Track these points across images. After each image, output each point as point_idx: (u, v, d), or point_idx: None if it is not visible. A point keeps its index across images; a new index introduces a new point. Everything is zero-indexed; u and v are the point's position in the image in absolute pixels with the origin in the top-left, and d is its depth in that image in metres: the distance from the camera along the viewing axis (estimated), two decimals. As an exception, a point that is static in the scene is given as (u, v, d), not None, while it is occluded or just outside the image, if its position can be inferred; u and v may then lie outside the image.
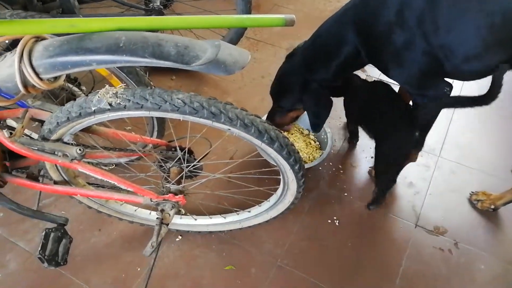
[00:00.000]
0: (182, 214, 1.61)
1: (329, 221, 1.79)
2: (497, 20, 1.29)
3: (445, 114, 2.19)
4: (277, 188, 1.46)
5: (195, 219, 1.68)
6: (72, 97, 1.63)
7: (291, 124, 1.96)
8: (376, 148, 1.69)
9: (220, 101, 1.09)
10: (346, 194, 1.88)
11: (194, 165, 1.39)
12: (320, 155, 1.93)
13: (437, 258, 1.67)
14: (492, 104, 2.24)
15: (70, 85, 1.59)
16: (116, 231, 1.73)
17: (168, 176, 1.39)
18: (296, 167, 1.26)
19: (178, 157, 1.34)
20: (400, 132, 1.60)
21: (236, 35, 2.23)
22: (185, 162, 1.36)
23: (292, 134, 2.02)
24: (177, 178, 1.35)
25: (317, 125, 1.76)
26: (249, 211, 1.61)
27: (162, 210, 1.35)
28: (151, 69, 2.41)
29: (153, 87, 1.53)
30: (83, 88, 1.71)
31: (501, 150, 2.07)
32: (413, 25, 1.36)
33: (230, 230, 1.70)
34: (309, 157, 1.95)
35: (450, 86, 1.55)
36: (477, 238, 1.73)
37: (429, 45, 1.38)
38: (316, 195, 1.88)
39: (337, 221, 1.79)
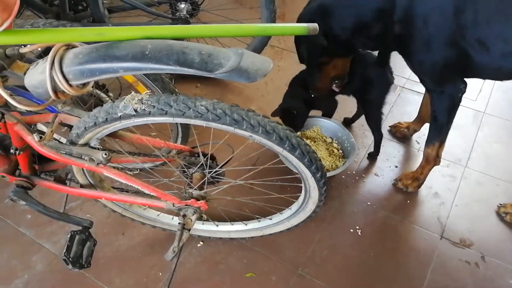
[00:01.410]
0: (204, 220, 1.64)
1: (352, 230, 1.77)
2: None
3: (472, 123, 2.16)
4: (299, 196, 1.46)
5: (217, 225, 1.69)
6: (100, 103, 1.67)
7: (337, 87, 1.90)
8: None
9: (242, 108, 1.10)
10: (369, 203, 1.86)
11: (216, 171, 1.40)
12: (343, 164, 1.91)
13: (463, 271, 1.62)
14: (521, 114, 2.21)
15: (98, 91, 1.64)
16: (139, 235, 1.76)
17: (191, 182, 1.41)
18: (318, 175, 1.25)
19: (201, 163, 1.36)
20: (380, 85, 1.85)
21: (260, 44, 2.25)
22: (207, 168, 1.38)
23: (315, 142, 2.02)
24: (199, 184, 1.37)
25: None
26: (271, 219, 1.61)
27: (184, 215, 1.36)
28: (176, 77, 2.45)
29: (178, 94, 1.57)
30: (110, 94, 1.75)
31: (531, 161, 2.01)
32: (451, 13, 1.35)
33: (252, 237, 1.70)
34: (331, 166, 1.94)
35: (465, 84, 1.54)
36: (505, 252, 1.68)
37: (463, 38, 1.37)
38: (338, 204, 1.86)
39: (360, 230, 1.76)
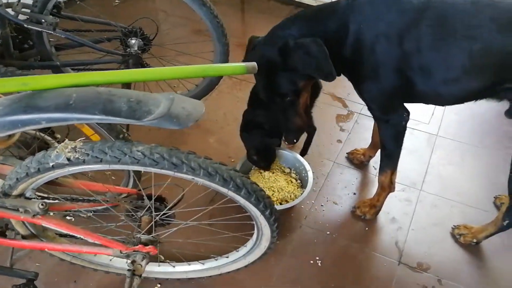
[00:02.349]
0: (160, 261, 1.59)
1: (311, 261, 1.75)
2: (476, 46, 1.33)
3: (426, 146, 2.20)
4: (253, 234, 1.43)
5: (174, 266, 1.64)
6: (45, 145, 1.62)
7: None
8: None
9: (182, 151, 1.08)
10: (328, 232, 1.85)
11: (164, 213, 1.36)
12: (301, 194, 1.90)
13: (422, 297, 1.63)
14: (470, 137, 2.28)
15: (42, 134, 1.58)
16: (92, 282, 1.68)
17: (140, 226, 1.37)
18: (267, 213, 1.23)
19: (147, 206, 1.32)
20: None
21: (217, 77, 2.25)
22: (154, 211, 1.34)
23: (273, 173, 2.01)
24: (147, 228, 1.33)
25: (326, 75, 1.47)
26: (227, 257, 1.57)
27: (134, 261, 1.31)
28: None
29: (126, 135, 1.54)
30: (58, 136, 1.70)
31: (482, 181, 2.06)
32: (395, 42, 1.39)
33: (210, 276, 1.65)
34: (290, 196, 1.93)
35: (408, 113, 1.59)
36: (461, 274, 1.69)
37: (407, 65, 1.41)
38: (298, 235, 1.85)
39: (320, 261, 1.75)
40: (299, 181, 2.01)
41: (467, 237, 1.78)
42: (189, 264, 1.64)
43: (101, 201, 1.29)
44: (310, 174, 1.93)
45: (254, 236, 1.42)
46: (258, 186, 1.21)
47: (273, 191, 1.92)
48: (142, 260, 1.32)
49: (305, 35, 1.45)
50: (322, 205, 1.97)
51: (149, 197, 1.34)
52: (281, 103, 1.61)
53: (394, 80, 1.48)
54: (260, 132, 1.89)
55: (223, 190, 1.14)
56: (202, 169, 1.07)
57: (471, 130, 2.34)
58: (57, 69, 2.14)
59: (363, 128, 2.36)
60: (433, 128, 2.36)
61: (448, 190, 2.02)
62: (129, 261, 1.31)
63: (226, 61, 2.14)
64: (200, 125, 2.40)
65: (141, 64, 2.12)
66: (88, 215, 1.40)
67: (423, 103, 1.58)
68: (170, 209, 1.38)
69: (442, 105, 1.62)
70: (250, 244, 1.48)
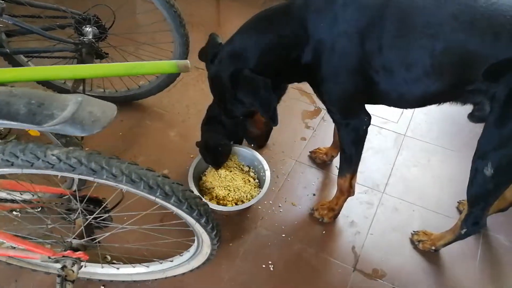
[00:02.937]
0: (104, 263, 1.52)
1: (264, 265, 1.69)
2: (438, 45, 1.26)
3: (393, 146, 2.15)
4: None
5: (118, 269, 1.57)
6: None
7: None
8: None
9: (103, 156, 1.00)
10: (284, 235, 1.79)
11: (99, 216, 1.28)
12: (258, 194, 1.84)
13: (374, 305, 1.58)
14: (439, 138, 2.22)
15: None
16: (33, 281, 1.61)
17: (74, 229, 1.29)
18: (202, 221, 1.16)
19: (79, 208, 1.24)
20: None
21: (168, 77, 2.15)
22: (88, 213, 1.26)
23: (230, 171, 1.93)
24: (77, 232, 1.25)
25: (272, 119, 1.47)
26: (172, 261, 1.51)
27: (64, 267, 1.24)
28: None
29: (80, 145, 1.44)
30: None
31: (447, 185, 2.01)
32: (356, 42, 1.32)
33: (155, 279, 1.59)
34: (246, 196, 1.86)
35: (369, 117, 1.53)
36: (417, 282, 1.65)
37: (369, 64, 1.34)
38: (252, 237, 1.78)
39: (272, 266, 1.69)
40: (257, 180, 1.94)
41: (425, 244, 1.73)
42: (134, 267, 1.57)
43: (18, 202, 1.20)
44: (267, 174, 1.86)
45: (195, 242, 1.35)
46: (192, 193, 1.13)
47: (229, 190, 1.85)
48: (73, 266, 1.24)
49: (261, 54, 1.42)
50: (280, 206, 1.90)
51: (83, 198, 1.27)
52: (235, 120, 1.61)
53: (355, 81, 1.41)
54: (220, 130, 1.81)
55: (151, 197, 1.06)
56: (125, 176, 1.00)
57: (440, 131, 2.29)
58: (8, 57, 2.03)
59: (329, 126, 2.28)
60: (402, 128, 2.30)
61: (411, 194, 1.97)
62: (59, 267, 1.23)
63: (186, 52, 2.05)
64: (162, 117, 2.31)
65: (97, 54, 2.01)
66: (15, 216, 1.31)
67: (386, 105, 1.51)
68: (107, 211, 1.31)
69: (405, 108, 1.56)
70: (192, 249, 1.41)
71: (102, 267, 1.57)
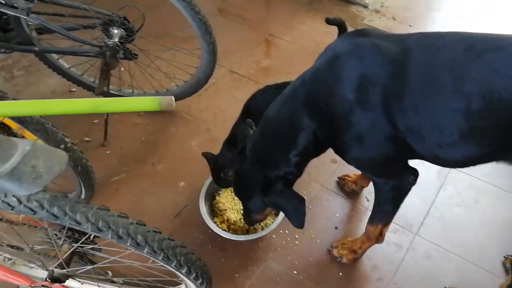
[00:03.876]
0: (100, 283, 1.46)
1: (269, 305, 1.55)
2: (475, 105, 1.02)
3: (436, 179, 1.90)
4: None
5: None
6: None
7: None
8: None
9: (69, 201, 0.90)
10: (295, 272, 1.63)
11: (86, 245, 1.20)
12: (273, 222, 1.69)
13: None
14: (492, 175, 1.93)
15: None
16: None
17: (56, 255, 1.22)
18: (183, 271, 1.04)
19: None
20: None
21: (204, 75, 2.03)
22: (74, 241, 1.18)
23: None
24: (59, 261, 1.17)
25: (296, 224, 1.39)
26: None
27: (44, 296, 1.18)
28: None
29: (69, 144, 1.38)
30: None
31: (495, 234, 1.74)
32: (376, 104, 1.12)
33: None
34: (261, 224, 1.72)
35: (416, 175, 1.30)
36: None
37: (395, 128, 1.13)
38: (261, 270, 1.64)
39: (278, 306, 1.55)
40: (276, 206, 1.79)
41: (457, 304, 1.50)
42: (129, 292, 1.49)
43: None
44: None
45: (183, 285, 1.24)
46: (172, 241, 1.01)
47: (241, 214, 1.72)
48: (53, 296, 1.18)
49: (288, 158, 1.33)
50: (296, 237, 1.74)
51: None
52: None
53: (383, 147, 1.21)
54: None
55: (122, 245, 0.95)
56: (91, 223, 0.89)
57: (494, 167, 1.97)
58: (37, 54, 2.02)
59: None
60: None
61: (450, 239, 1.72)
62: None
63: (214, 60, 1.92)
64: (187, 123, 2.21)
65: (125, 55, 1.94)
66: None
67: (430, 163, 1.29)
68: (93, 241, 1.22)
69: (446, 167, 1.32)
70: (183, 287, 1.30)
71: (99, 287, 1.51)
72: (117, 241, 0.92)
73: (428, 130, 1.12)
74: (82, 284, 1.48)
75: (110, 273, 1.59)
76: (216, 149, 1.93)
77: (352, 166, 1.35)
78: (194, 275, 1.07)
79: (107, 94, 1.98)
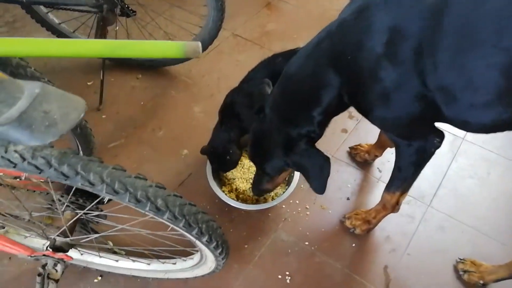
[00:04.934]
0: (100, 254, 1.36)
1: (280, 276, 1.48)
2: None
3: (448, 151, 1.84)
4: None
5: (116, 261, 1.41)
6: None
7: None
8: None
9: (80, 158, 0.79)
10: (307, 243, 1.57)
11: (91, 212, 1.09)
12: (284, 192, 1.60)
13: None
14: (504, 148, 1.88)
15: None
16: (28, 262, 1.48)
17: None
18: (204, 240, 0.95)
19: (68, 198, 1.05)
20: None
21: (209, 35, 1.90)
22: (79, 207, 1.07)
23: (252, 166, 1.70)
24: (63, 228, 1.07)
25: (317, 189, 1.32)
26: (174, 263, 1.32)
27: (45, 265, 1.07)
28: (113, 64, 2.12)
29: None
30: None
31: (507, 206, 1.69)
32: (406, 58, 1.02)
33: (156, 278, 1.42)
34: (271, 194, 1.63)
35: (442, 137, 1.22)
36: (456, 323, 1.39)
37: (425, 87, 1.04)
38: (271, 241, 1.57)
39: (289, 278, 1.48)
40: (285, 175, 1.70)
41: (473, 276, 1.46)
42: (133, 261, 1.40)
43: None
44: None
45: (198, 254, 1.15)
46: (193, 206, 0.91)
47: (251, 183, 1.63)
48: (56, 266, 1.08)
49: (312, 117, 1.24)
50: (307, 208, 1.67)
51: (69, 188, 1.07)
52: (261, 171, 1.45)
53: (411, 106, 1.10)
54: (235, 124, 1.57)
55: (140, 211, 0.85)
56: (106, 184, 0.78)
57: (507, 139, 1.93)
58: (24, 6, 1.85)
59: (376, 118, 1.99)
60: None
61: (462, 211, 1.67)
62: (39, 267, 1.07)
63: (221, 18, 1.80)
64: (188, 88, 2.09)
65: (122, 12, 1.79)
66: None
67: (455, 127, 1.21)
68: (100, 205, 1.12)
69: (471, 132, 1.24)
70: (196, 259, 1.22)
71: (100, 257, 1.41)
72: (134, 205, 0.82)
73: (461, 88, 1.02)
74: (82, 254, 1.39)
75: (110, 243, 1.49)
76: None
77: (376, 125, 1.25)
78: (214, 244, 0.98)
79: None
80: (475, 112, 1.04)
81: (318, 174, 1.26)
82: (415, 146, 1.22)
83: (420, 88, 1.05)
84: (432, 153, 1.25)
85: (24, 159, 0.74)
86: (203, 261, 1.17)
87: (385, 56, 1.04)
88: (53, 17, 1.97)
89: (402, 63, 1.03)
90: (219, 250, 1.02)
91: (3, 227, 1.30)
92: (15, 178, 1.07)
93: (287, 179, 1.67)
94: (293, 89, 1.23)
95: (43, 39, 0.71)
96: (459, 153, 1.87)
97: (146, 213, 0.85)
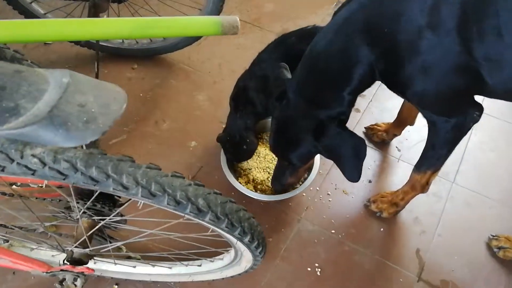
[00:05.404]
0: (116, 260, 1.25)
1: (309, 269, 1.40)
2: None
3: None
4: (230, 250, 1.06)
5: (134, 267, 1.30)
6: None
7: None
8: None
9: (110, 158, 0.67)
10: (333, 231, 1.48)
11: (110, 218, 0.98)
12: (304, 181, 1.51)
13: (445, 329, 1.28)
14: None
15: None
16: (33, 275, 1.35)
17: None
18: (246, 240, 0.85)
19: (86, 206, 0.93)
20: None
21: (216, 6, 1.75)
22: (96, 214, 0.96)
23: (268, 154, 1.60)
24: (82, 238, 0.95)
25: (353, 176, 1.21)
26: (200, 265, 1.22)
27: (63, 281, 0.96)
28: (105, 55, 1.98)
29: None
30: None
31: (534, 177, 1.64)
32: (451, 26, 0.93)
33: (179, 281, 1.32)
34: (289, 181, 1.54)
35: (481, 110, 1.14)
36: (498, 303, 1.34)
37: (471, 56, 0.95)
38: (295, 233, 1.48)
39: (319, 269, 1.40)
40: (303, 161, 1.60)
41: (509, 252, 1.40)
42: (153, 267, 1.29)
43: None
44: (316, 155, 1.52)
45: (232, 253, 1.05)
46: (234, 204, 0.81)
47: (269, 172, 1.54)
48: (75, 281, 0.97)
49: (342, 97, 1.14)
50: (328, 194, 1.58)
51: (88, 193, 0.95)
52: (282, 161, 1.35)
53: (454, 79, 1.02)
54: (250, 110, 1.47)
55: (179, 214, 0.75)
56: (142, 187, 0.68)
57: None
58: (6, -4, 1.69)
59: (387, 95, 1.90)
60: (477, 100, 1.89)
61: (486, 185, 1.61)
62: (57, 283, 0.96)
63: (220, 9, 1.67)
64: (189, 76, 1.96)
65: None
66: None
67: (489, 97, 1.13)
68: (118, 208, 1.00)
69: (510, 101, 1.16)
70: (227, 259, 1.12)
71: (115, 264, 1.30)
72: (174, 208, 0.71)
73: (509, 57, 0.94)
74: (95, 263, 1.28)
75: (124, 248, 1.38)
76: (226, 104, 1.72)
77: (413, 103, 1.16)
78: (256, 243, 0.88)
79: (96, 46, 1.71)
80: None
81: (353, 159, 1.17)
82: (453, 122, 1.13)
83: (465, 58, 0.97)
84: (470, 128, 1.18)
85: (44, 164, 0.62)
86: (237, 261, 1.07)
87: (427, 26, 0.95)
88: (38, 7, 1.81)
89: (446, 32, 0.94)
90: (260, 249, 0.92)
91: (7, 241, 1.18)
92: (11, 184, 0.94)
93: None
94: (322, 69, 1.12)
95: (55, 20, 0.59)
96: (477, 126, 1.80)
97: (186, 215, 0.74)
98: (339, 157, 1.19)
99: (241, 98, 1.47)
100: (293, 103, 1.18)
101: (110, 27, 0.61)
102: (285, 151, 1.28)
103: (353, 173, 1.18)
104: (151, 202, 0.70)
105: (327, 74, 1.12)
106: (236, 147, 1.48)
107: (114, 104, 0.49)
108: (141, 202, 0.72)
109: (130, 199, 0.87)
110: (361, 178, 1.35)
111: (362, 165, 1.17)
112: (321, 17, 2.22)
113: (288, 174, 1.35)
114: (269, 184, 1.51)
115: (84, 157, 0.64)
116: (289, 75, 1.28)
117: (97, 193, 0.81)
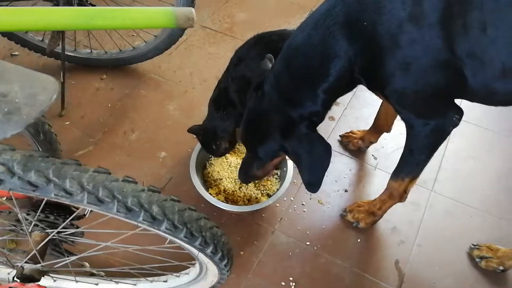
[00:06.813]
0: (76, 278, 1.16)
1: (283, 283, 1.33)
2: None
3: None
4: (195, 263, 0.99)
5: (96, 284, 1.22)
6: None
7: (273, 171, 1.48)
8: None
9: (52, 161, 0.61)
10: (308, 243, 1.42)
11: (65, 230, 0.90)
12: (277, 190, 1.45)
13: None
14: (503, 122, 1.82)
15: None
16: None
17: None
18: (209, 251, 0.78)
19: (35, 217, 0.86)
20: None
21: (173, 32, 1.72)
22: (49, 226, 0.88)
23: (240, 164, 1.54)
24: (32, 253, 0.87)
25: (312, 184, 1.18)
26: (165, 281, 1.14)
27: (12, 301, 0.87)
28: (74, 66, 1.91)
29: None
30: None
31: (510, 184, 1.62)
32: (433, 20, 0.91)
33: (145, 297, 1.24)
34: (262, 191, 1.48)
35: (461, 113, 1.11)
36: (480, 314, 1.29)
37: (454, 53, 0.92)
38: (269, 245, 1.42)
39: (294, 283, 1.33)
40: (278, 171, 1.55)
41: (491, 262, 1.36)
42: (117, 283, 1.21)
43: None
44: (289, 165, 1.47)
45: (197, 268, 0.98)
46: (194, 212, 0.75)
47: (240, 183, 1.48)
48: (25, 300, 0.88)
49: (317, 95, 1.10)
50: (303, 204, 1.52)
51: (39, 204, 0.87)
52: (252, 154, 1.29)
53: (434, 77, 0.99)
54: (232, 113, 1.42)
55: (131, 222, 0.68)
56: (87, 193, 0.61)
57: (503, 115, 1.86)
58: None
59: (363, 103, 1.88)
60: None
61: (466, 193, 1.58)
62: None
63: (192, 5, 1.61)
64: (159, 86, 1.90)
65: (80, 2, 1.59)
66: None
67: (468, 100, 1.10)
68: (74, 221, 0.93)
69: (490, 105, 1.13)
70: (192, 274, 1.05)
71: (77, 282, 1.22)
72: (125, 215, 0.64)
73: (494, 53, 0.92)
74: (55, 281, 1.19)
75: (87, 264, 1.29)
76: (198, 113, 1.67)
77: (391, 102, 1.11)
78: (220, 255, 0.82)
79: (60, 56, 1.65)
80: (505, 81, 0.93)
81: (316, 165, 1.12)
82: (432, 125, 1.10)
83: (446, 54, 0.94)
84: (449, 132, 1.14)
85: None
86: (202, 276, 1.00)
87: (408, 19, 0.91)
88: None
89: (428, 25, 0.91)
90: (225, 262, 0.86)
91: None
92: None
93: (279, 174, 1.53)
94: (298, 63, 1.08)
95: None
96: (453, 133, 1.78)
97: (139, 224, 0.67)
98: (301, 161, 1.14)
99: (221, 99, 1.43)
100: (267, 96, 1.14)
101: (48, 16, 0.55)
102: (254, 144, 1.23)
103: (313, 180, 1.14)
104: (99, 209, 0.63)
105: (303, 69, 1.08)
106: (208, 142, 1.43)
107: (43, 94, 0.43)
108: (88, 210, 0.65)
109: (90, 210, 0.80)
110: (337, 188, 1.31)
111: (324, 174, 1.13)
112: (294, 26, 2.17)
113: (255, 167, 1.30)
114: (241, 195, 1.45)
115: (22, 159, 0.58)
116: (269, 65, 1.23)
117: (44, 202, 0.74)
